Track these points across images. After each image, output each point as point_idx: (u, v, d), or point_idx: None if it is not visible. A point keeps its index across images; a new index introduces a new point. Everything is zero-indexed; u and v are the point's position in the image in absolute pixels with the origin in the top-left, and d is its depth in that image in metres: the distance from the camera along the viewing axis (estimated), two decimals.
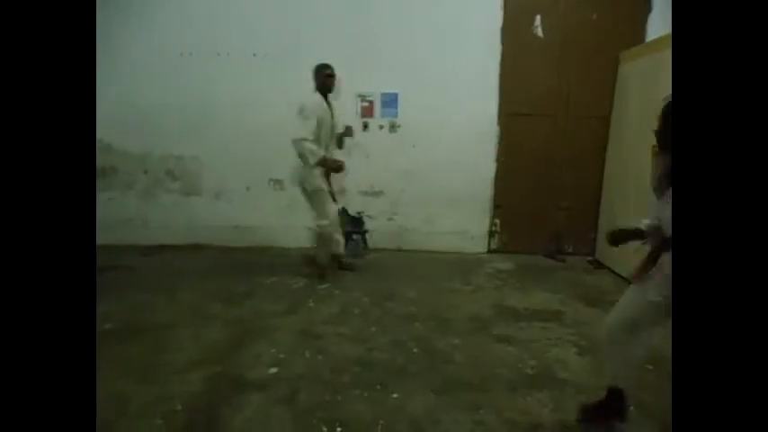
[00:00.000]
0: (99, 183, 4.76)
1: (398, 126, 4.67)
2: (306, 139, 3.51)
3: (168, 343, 2.76)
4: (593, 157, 4.64)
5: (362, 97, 4.62)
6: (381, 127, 4.68)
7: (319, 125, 3.59)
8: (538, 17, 4.50)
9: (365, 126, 4.66)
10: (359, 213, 4.85)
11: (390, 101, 4.61)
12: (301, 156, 3.57)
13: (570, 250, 4.82)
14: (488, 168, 4.66)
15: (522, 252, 4.76)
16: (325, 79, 3.71)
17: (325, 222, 3.78)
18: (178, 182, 4.82)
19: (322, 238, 3.87)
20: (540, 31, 4.52)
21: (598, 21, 4.46)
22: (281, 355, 2.63)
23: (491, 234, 4.85)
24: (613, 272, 4.28)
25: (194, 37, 4.56)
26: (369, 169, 4.72)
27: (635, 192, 3.94)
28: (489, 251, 4.86)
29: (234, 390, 2.29)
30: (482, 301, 3.53)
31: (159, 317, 3.11)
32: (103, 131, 4.67)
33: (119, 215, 4.80)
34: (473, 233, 4.83)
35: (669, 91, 1.25)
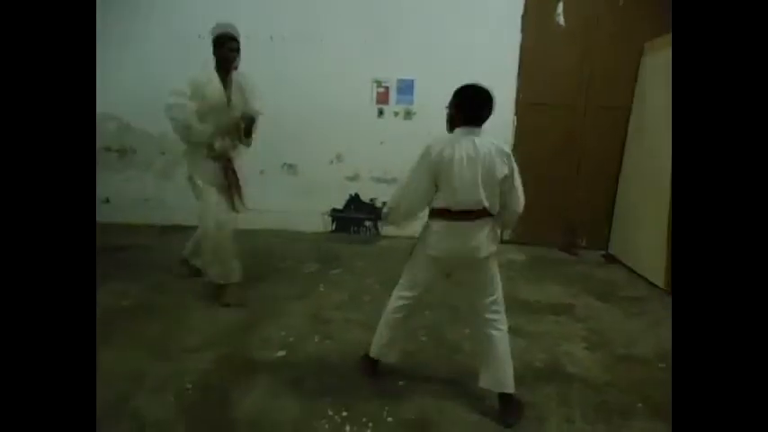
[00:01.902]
0: (119, 163, 4.84)
1: (414, 113, 4.64)
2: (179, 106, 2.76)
3: (182, 322, 2.81)
4: (612, 148, 4.57)
5: (378, 83, 4.58)
6: (396, 114, 4.65)
7: (205, 111, 2.82)
8: (560, 4, 4.40)
9: (380, 112, 4.63)
10: (371, 200, 4.86)
11: (406, 87, 4.57)
12: (177, 130, 2.83)
13: (583, 244, 4.77)
14: None
15: (534, 244, 4.72)
16: (223, 53, 2.87)
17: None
18: None
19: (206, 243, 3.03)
20: (561, 19, 4.42)
21: (624, 9, 4.34)
22: (291, 339, 2.66)
23: None
24: (626, 266, 4.23)
25: (213, 19, 4.55)
26: (382, 156, 4.70)
27: (653, 185, 3.87)
28: (502, 242, 4.83)
29: (243, 371, 2.33)
30: None
31: (174, 296, 3.16)
32: (123, 112, 4.74)
33: (137, 195, 4.88)
34: None
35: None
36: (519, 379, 2.33)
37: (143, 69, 4.61)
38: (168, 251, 4.11)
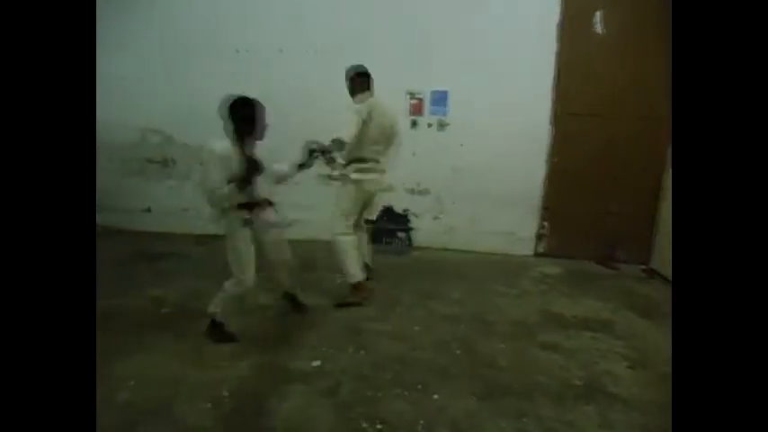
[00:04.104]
0: (160, 173, 5.02)
1: (447, 124, 4.62)
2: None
3: None
4: (652, 159, 4.42)
5: (412, 95, 4.60)
6: (430, 125, 4.65)
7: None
8: (598, 13, 4.32)
9: (413, 124, 4.64)
10: (404, 211, 4.85)
11: (440, 99, 4.56)
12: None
13: (622, 257, 4.62)
14: (539, 169, 4.54)
15: (570, 257, 4.60)
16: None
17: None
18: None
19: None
20: (599, 28, 4.34)
21: (667, 17, 4.22)
22: (324, 349, 2.68)
23: (539, 237, 4.72)
24: (668, 281, 4.07)
25: (252, 34, 4.69)
26: (415, 167, 4.70)
27: None
28: (536, 254, 4.74)
29: (279, 379, 2.36)
30: (527, 305, 3.45)
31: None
32: (165, 124, 4.92)
33: (176, 204, 5.03)
34: (520, 235, 4.72)
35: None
36: (557, 397, 2.28)
37: (185, 84, 4.78)
38: (205, 260, 4.22)
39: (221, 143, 2.48)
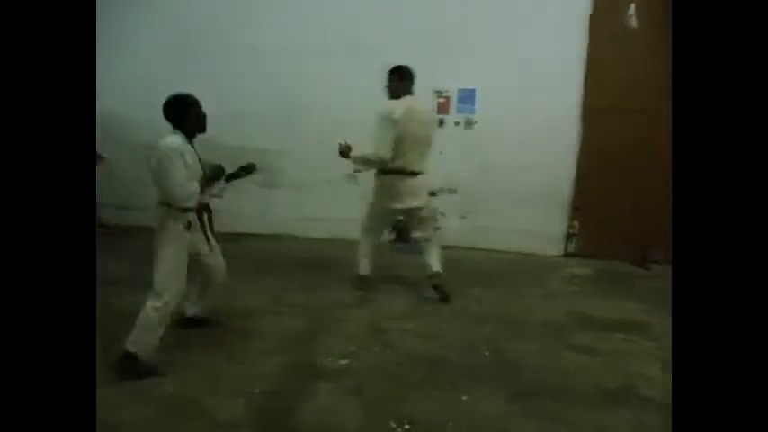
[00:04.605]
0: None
1: (474, 122, 4.59)
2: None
3: (251, 328, 2.91)
4: None
5: (439, 93, 4.57)
6: (457, 123, 4.62)
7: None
8: (633, 5, 4.20)
9: (440, 122, 4.61)
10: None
11: (467, 97, 4.53)
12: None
13: (655, 257, 4.49)
14: (568, 167, 4.45)
15: (600, 257, 4.50)
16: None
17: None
18: (261, 174, 5.05)
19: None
20: (633, 21, 4.22)
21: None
22: (352, 348, 2.69)
23: (568, 237, 4.64)
24: None
25: (264, 34, 4.75)
26: (442, 166, 4.66)
27: None
28: (565, 254, 4.65)
29: (307, 377, 2.39)
30: (557, 306, 3.40)
31: (244, 302, 3.26)
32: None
33: None
34: (549, 235, 4.65)
35: None
36: (590, 400, 2.24)
37: (210, 83, 4.86)
38: (236, 259, 4.28)
39: (176, 139, 2.44)
